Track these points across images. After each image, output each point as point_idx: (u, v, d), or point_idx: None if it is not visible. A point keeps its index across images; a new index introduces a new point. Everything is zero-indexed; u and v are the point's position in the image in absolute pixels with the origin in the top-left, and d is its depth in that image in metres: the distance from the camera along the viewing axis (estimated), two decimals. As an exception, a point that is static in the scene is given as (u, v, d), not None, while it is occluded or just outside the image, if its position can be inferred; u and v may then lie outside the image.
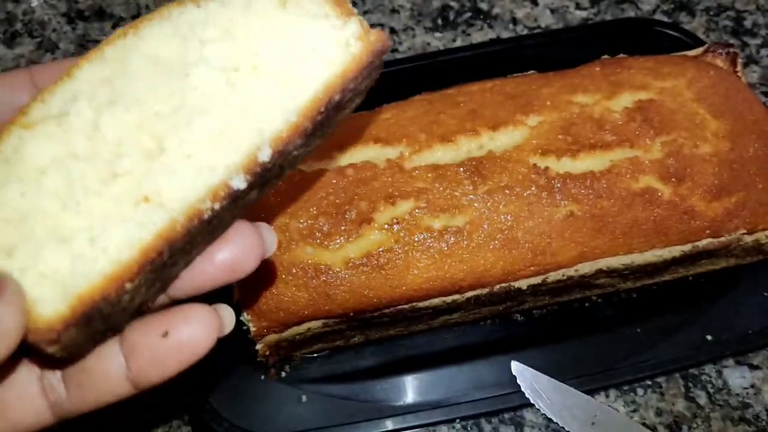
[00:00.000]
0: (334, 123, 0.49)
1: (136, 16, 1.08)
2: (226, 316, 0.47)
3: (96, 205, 0.42)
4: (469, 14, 1.07)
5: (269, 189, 0.48)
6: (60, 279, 0.40)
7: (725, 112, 0.80)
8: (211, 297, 0.47)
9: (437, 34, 1.05)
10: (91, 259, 0.41)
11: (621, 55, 0.88)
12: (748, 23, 1.05)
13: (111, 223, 0.41)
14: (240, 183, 0.43)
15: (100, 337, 0.44)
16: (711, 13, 1.05)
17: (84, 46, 1.06)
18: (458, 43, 1.04)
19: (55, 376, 0.45)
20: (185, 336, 0.44)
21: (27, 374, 0.45)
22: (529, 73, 0.87)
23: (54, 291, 0.40)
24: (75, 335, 0.40)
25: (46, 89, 0.44)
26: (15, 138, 0.43)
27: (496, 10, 1.07)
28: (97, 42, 1.07)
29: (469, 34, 1.06)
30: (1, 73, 0.47)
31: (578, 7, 1.07)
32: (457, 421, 0.82)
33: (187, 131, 0.44)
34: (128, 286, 0.41)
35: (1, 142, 0.42)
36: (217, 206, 0.43)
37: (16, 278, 0.40)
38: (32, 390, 0.45)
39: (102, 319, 0.41)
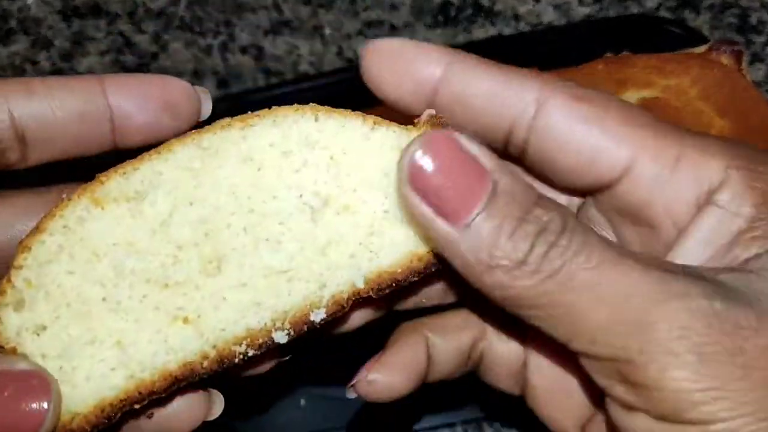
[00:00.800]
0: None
1: (132, 14, 1.07)
2: (216, 402, 0.47)
3: (135, 309, 0.41)
4: (470, 11, 1.05)
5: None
6: (77, 381, 0.41)
7: (730, 111, 0.79)
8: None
9: (438, 31, 1.04)
10: (111, 369, 0.41)
11: (625, 53, 0.87)
12: (753, 20, 1.04)
13: (143, 335, 0.41)
14: (282, 338, 0.43)
15: None
16: (715, 9, 1.04)
17: (79, 43, 1.05)
18: (459, 40, 1.03)
19: None
20: (170, 419, 0.44)
21: None
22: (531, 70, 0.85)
23: (74, 392, 0.40)
24: None
25: (130, 163, 0.43)
26: (83, 209, 0.42)
27: (498, 7, 1.06)
28: (92, 39, 1.05)
29: (470, 31, 1.05)
30: (71, 77, 0.46)
31: (581, 3, 1.06)
32: (459, 424, 0.81)
33: (251, 257, 0.42)
34: (136, 406, 0.42)
35: (69, 209, 0.42)
36: (250, 353, 0.42)
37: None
38: None
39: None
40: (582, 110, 0.43)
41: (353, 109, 0.82)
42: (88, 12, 1.07)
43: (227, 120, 0.44)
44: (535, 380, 0.50)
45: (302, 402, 0.80)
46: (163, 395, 0.42)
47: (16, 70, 1.04)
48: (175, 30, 1.06)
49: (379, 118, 0.44)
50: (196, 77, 1.03)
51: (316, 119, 0.43)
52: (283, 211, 0.42)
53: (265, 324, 0.42)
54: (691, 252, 0.41)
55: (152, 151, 0.43)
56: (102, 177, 0.43)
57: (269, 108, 0.44)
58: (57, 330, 0.41)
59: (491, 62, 0.45)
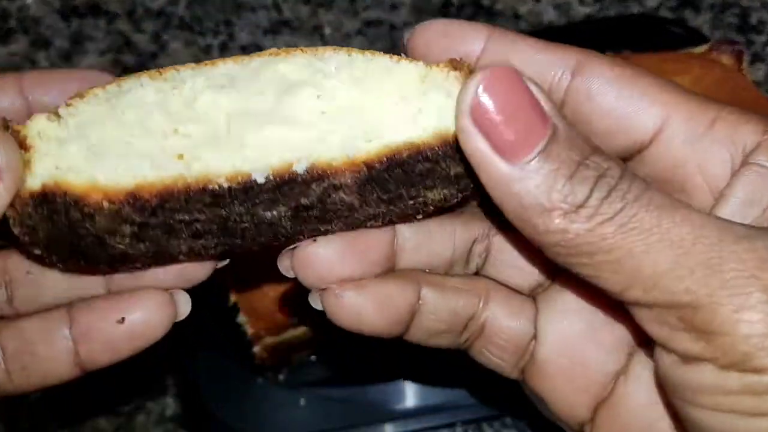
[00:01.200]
0: (406, 202, 0.44)
1: (131, 13, 1.07)
2: (181, 301, 0.47)
3: (140, 138, 0.42)
4: (470, 10, 1.05)
5: (308, 229, 0.44)
6: (61, 162, 0.42)
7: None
8: (207, 296, 0.47)
9: (438, 31, 1.04)
10: (93, 162, 0.42)
11: (625, 53, 0.87)
12: (753, 20, 1.04)
13: (135, 151, 0.42)
14: (260, 178, 0.42)
15: (66, 251, 0.43)
16: (716, 9, 1.04)
17: (79, 42, 1.05)
18: (459, 39, 1.03)
19: None
20: (141, 322, 0.45)
21: None
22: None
23: (45, 167, 0.41)
24: (36, 221, 0.41)
25: (158, 70, 0.45)
26: (134, 82, 0.44)
27: (498, 6, 1.05)
28: (91, 39, 1.05)
29: (470, 31, 1.04)
30: None
31: (582, 3, 1.06)
32: (459, 424, 0.80)
33: (255, 131, 0.43)
34: (106, 204, 0.41)
35: (120, 82, 0.44)
36: (226, 185, 0.41)
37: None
38: None
39: (68, 225, 0.41)
40: (616, 73, 0.43)
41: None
42: (87, 11, 1.07)
43: (275, 50, 0.47)
44: (544, 355, 0.47)
45: (302, 402, 0.80)
46: (139, 242, 0.42)
47: (15, 69, 1.03)
48: (174, 29, 1.05)
49: (408, 58, 0.45)
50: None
51: (348, 53, 0.45)
52: (297, 103, 0.44)
53: (246, 167, 0.42)
54: (732, 214, 0.40)
55: (209, 62, 0.46)
56: (162, 70, 0.45)
57: None
58: (72, 134, 0.42)
59: (530, 37, 0.45)
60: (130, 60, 1.04)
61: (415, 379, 0.80)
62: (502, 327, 0.48)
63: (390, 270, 0.47)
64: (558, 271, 0.47)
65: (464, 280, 0.49)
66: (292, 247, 0.44)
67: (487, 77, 0.37)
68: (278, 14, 1.06)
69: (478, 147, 0.37)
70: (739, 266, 0.34)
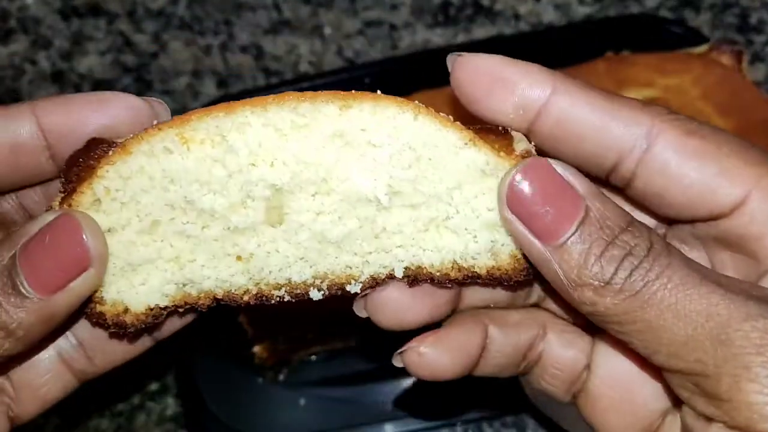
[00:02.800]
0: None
1: (131, 13, 1.07)
2: (155, 104, 0.48)
3: (197, 235, 0.46)
4: (470, 10, 1.05)
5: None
6: (135, 282, 0.46)
7: (731, 111, 0.79)
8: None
9: (438, 31, 1.04)
10: (166, 280, 0.47)
11: (625, 53, 0.87)
12: (753, 20, 1.04)
13: (199, 259, 0.46)
14: (316, 295, 0.47)
15: None
16: (716, 9, 1.04)
17: (79, 42, 1.05)
18: (460, 39, 1.03)
19: (71, 346, 0.49)
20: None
21: (48, 352, 0.49)
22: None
23: (130, 291, 0.46)
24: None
25: (222, 107, 0.45)
26: (170, 141, 0.44)
27: (498, 6, 1.05)
28: (91, 39, 1.05)
29: (470, 31, 1.04)
30: (2, 107, 0.47)
31: (581, 3, 1.06)
32: (459, 424, 0.80)
33: (311, 222, 0.46)
34: (180, 310, 0.48)
35: (156, 137, 0.44)
36: (286, 298, 0.47)
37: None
38: (57, 368, 0.49)
39: None
40: (694, 145, 0.43)
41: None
42: (87, 11, 1.06)
43: (328, 94, 0.45)
44: (596, 387, 0.50)
45: (302, 402, 0.80)
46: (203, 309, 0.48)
47: (15, 69, 1.03)
48: (174, 29, 1.05)
49: (475, 135, 0.44)
50: (195, 77, 1.03)
51: (415, 118, 0.44)
52: (354, 193, 0.45)
53: (305, 281, 0.46)
54: None
55: (246, 101, 0.45)
56: (193, 115, 0.44)
57: (374, 92, 0.46)
58: (125, 235, 0.45)
59: (596, 89, 0.45)
60: (130, 60, 1.04)
61: (415, 379, 0.80)
62: (557, 356, 0.51)
63: (454, 308, 0.51)
64: None
65: (525, 313, 0.52)
66: (363, 294, 0.48)
67: (523, 170, 0.42)
68: (278, 14, 1.06)
69: (518, 231, 0.42)
70: (745, 343, 0.38)
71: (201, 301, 0.47)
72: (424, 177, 0.45)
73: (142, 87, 1.02)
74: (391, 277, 0.46)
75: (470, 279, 0.46)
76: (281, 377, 0.82)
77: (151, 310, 0.47)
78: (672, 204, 0.45)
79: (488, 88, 0.45)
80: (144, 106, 0.47)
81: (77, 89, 1.02)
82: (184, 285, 0.47)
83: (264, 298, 0.47)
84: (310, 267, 0.46)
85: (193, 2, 1.07)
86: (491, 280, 0.46)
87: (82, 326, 0.49)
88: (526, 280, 0.46)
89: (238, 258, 0.46)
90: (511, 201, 0.42)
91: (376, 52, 1.03)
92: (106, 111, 0.46)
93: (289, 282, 0.47)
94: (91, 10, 1.07)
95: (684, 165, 0.44)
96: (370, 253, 0.46)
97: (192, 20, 1.06)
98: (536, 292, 0.52)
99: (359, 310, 0.49)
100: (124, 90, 1.01)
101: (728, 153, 0.44)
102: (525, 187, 0.42)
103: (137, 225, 0.45)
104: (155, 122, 0.46)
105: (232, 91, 1.01)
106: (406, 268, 0.46)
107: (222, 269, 0.46)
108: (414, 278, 0.46)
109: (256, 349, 0.76)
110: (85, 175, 0.44)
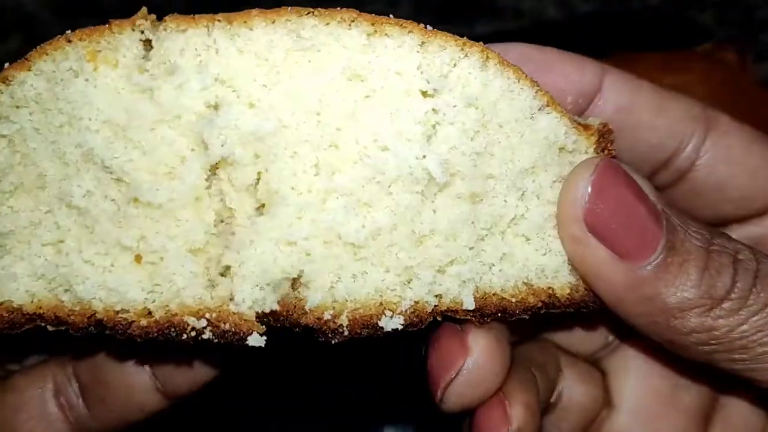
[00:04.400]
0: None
1: (126, 10, 1.06)
2: None
3: (87, 211, 0.33)
4: (472, 7, 1.04)
5: None
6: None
7: (736, 109, 0.78)
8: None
9: (440, 27, 1.03)
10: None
11: (628, 51, 0.86)
12: (758, 17, 1.03)
13: (85, 251, 0.33)
14: (390, 324, 0.32)
15: None
16: (720, 6, 1.03)
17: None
18: (462, 36, 1.02)
19: (73, 391, 0.41)
20: None
21: (43, 393, 0.41)
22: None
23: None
24: None
25: (174, 19, 0.34)
26: (77, 60, 0.34)
27: (500, 3, 1.05)
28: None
29: (472, 27, 1.04)
30: None
31: None
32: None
33: (315, 210, 0.31)
34: (50, 327, 0.35)
35: (62, 54, 0.34)
36: (211, 338, 0.32)
37: None
38: (51, 410, 0.41)
39: None
40: (751, 132, 0.41)
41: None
42: (81, 9, 1.05)
43: (351, 12, 0.32)
44: (623, 423, 0.43)
45: (302, 403, 0.79)
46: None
47: (10, 67, 1.03)
48: (171, 27, 1.04)
49: (551, 97, 0.35)
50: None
51: (483, 66, 0.33)
52: (385, 167, 0.31)
53: (296, 306, 0.31)
54: None
55: (218, 16, 0.32)
56: (116, 25, 0.34)
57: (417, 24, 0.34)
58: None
59: (645, 82, 0.42)
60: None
61: (415, 381, 0.79)
62: (577, 395, 0.44)
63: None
64: (625, 332, 0.44)
65: (541, 348, 0.45)
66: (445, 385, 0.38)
67: (596, 178, 0.33)
68: (276, 11, 1.05)
69: (594, 255, 0.33)
70: None
71: (73, 318, 0.32)
72: (491, 152, 0.33)
73: (138, 85, 1.01)
74: (449, 312, 0.33)
75: (547, 308, 0.35)
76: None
77: (11, 311, 0.33)
78: (733, 195, 0.41)
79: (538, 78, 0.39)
80: None
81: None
82: (58, 286, 0.33)
83: (172, 331, 0.31)
84: (303, 284, 0.31)
85: (191, 0, 1.06)
86: (571, 307, 0.36)
87: (81, 367, 0.41)
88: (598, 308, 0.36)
89: (137, 258, 0.31)
90: (589, 218, 0.33)
91: (375, 49, 1.02)
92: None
93: (260, 304, 0.31)
94: (85, 8, 1.06)
95: (749, 149, 0.40)
96: (412, 267, 0.32)
97: (189, 17, 1.05)
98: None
99: (444, 399, 0.37)
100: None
101: None
102: (602, 200, 0.33)
103: (17, 175, 0.32)
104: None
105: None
106: (475, 290, 0.33)
107: (113, 271, 0.31)
108: (480, 311, 0.34)
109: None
110: None
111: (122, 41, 0.34)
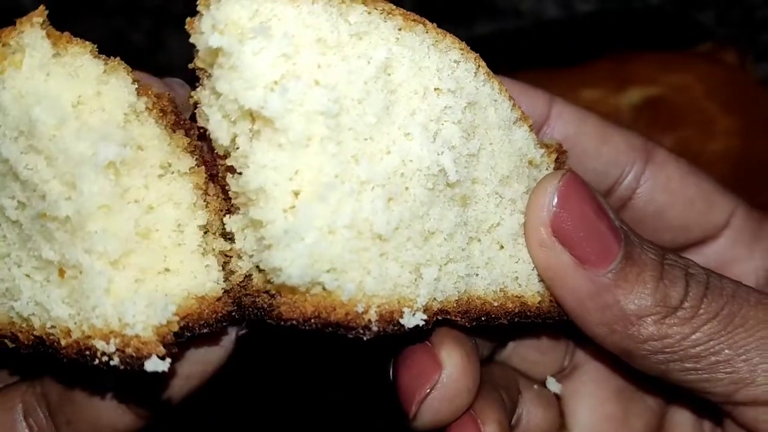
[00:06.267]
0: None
1: (127, 9, 1.06)
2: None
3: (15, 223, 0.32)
4: (472, 6, 1.05)
5: None
6: None
7: (736, 109, 0.78)
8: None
9: (440, 27, 1.03)
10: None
11: (628, 50, 0.86)
12: (758, 17, 1.03)
13: (13, 259, 0.32)
14: (412, 321, 0.33)
15: None
16: (721, 6, 1.03)
17: (75, 39, 1.04)
18: (461, 35, 1.02)
19: (42, 412, 0.39)
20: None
21: (12, 414, 0.39)
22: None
23: None
24: None
25: None
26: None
27: (500, 3, 1.05)
28: (87, 35, 1.04)
29: (471, 27, 1.04)
30: None
31: (583, -1, 1.05)
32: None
33: (355, 194, 0.31)
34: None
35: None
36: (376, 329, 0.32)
37: None
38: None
39: None
40: (687, 165, 0.44)
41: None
42: (82, 8, 1.06)
43: (387, 4, 0.33)
44: None
45: (302, 404, 0.79)
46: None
47: (10, 66, 1.03)
48: (171, 26, 1.04)
49: (523, 113, 0.38)
50: (193, 74, 1.02)
51: (476, 72, 0.36)
52: (409, 160, 0.32)
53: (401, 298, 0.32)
54: None
55: None
56: (19, 23, 0.33)
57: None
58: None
59: (590, 113, 0.45)
60: (126, 57, 1.03)
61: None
62: (535, 419, 0.44)
63: None
64: (576, 356, 0.46)
65: (502, 370, 0.45)
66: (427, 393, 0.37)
67: (562, 188, 0.35)
68: (277, 11, 1.06)
69: (558, 260, 0.35)
70: None
71: (20, 335, 0.32)
72: (478, 156, 0.35)
73: (138, 84, 1.02)
74: (444, 314, 0.34)
75: (520, 316, 0.37)
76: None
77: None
78: (671, 224, 0.43)
79: None
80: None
81: (73, 87, 1.02)
82: (6, 301, 0.32)
83: (87, 354, 0.29)
84: (341, 277, 0.30)
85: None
86: (540, 318, 0.38)
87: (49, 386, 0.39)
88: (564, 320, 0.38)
89: (60, 273, 0.30)
90: (555, 224, 0.35)
91: (375, 49, 1.02)
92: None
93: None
94: (86, 7, 1.06)
95: (685, 180, 0.43)
96: (422, 265, 0.33)
97: (189, 17, 1.05)
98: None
99: (418, 417, 0.37)
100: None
101: (708, 176, 0.44)
102: (568, 208, 0.35)
103: None
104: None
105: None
106: (458, 299, 0.35)
107: (44, 287, 0.31)
108: (467, 313, 0.35)
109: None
110: None
111: (26, 40, 0.32)
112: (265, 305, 0.30)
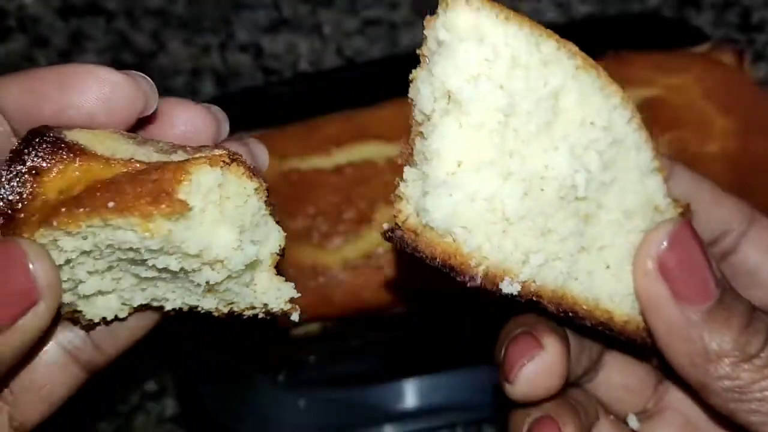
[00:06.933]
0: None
1: (130, 12, 1.06)
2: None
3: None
4: (470, 9, 1.05)
5: None
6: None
7: (733, 110, 0.79)
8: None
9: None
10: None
11: (626, 52, 0.86)
12: (755, 19, 1.03)
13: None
14: (508, 288, 0.41)
15: None
16: (718, 8, 1.04)
17: (77, 41, 1.05)
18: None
19: (77, 336, 0.44)
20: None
21: (50, 348, 0.44)
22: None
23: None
24: None
25: None
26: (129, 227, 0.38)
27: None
28: (90, 38, 1.05)
29: (470, 30, 1.04)
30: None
31: (582, 1, 1.05)
32: (459, 426, 0.80)
33: (498, 182, 0.39)
34: None
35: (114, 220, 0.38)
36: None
37: None
38: (62, 362, 0.44)
39: None
40: None
41: (353, 107, 0.82)
42: (85, 10, 1.06)
43: (573, 45, 0.41)
44: None
45: (301, 403, 0.79)
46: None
47: (14, 68, 1.03)
48: (173, 28, 1.05)
49: (663, 166, 0.45)
50: (194, 76, 1.02)
51: (629, 120, 0.42)
52: (551, 168, 0.39)
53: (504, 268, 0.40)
54: None
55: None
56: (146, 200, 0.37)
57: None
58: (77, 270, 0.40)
59: (707, 180, 0.51)
60: (128, 59, 1.03)
61: (415, 380, 0.80)
62: None
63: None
64: (664, 396, 0.50)
65: (584, 393, 0.50)
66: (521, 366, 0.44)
67: (675, 232, 0.42)
68: (278, 13, 1.06)
69: (658, 291, 0.41)
70: None
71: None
72: (610, 187, 0.42)
73: (140, 86, 1.02)
74: (537, 296, 0.41)
75: (603, 328, 0.43)
76: (281, 378, 0.82)
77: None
78: (764, 283, 0.48)
79: None
80: (124, 82, 0.39)
81: (75, 88, 1.02)
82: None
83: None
84: (466, 235, 0.40)
85: (191, 1, 1.07)
86: (622, 336, 0.44)
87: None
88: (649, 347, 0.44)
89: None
90: (661, 260, 0.42)
91: (375, 50, 1.03)
92: (74, 87, 0.38)
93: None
94: (89, 9, 1.07)
95: None
96: (531, 252, 0.40)
97: (191, 19, 1.06)
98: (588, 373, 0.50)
99: (515, 381, 0.44)
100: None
101: None
102: (676, 249, 0.42)
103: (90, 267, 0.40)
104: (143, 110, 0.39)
105: (231, 89, 1.01)
106: (554, 289, 0.41)
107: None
108: (558, 305, 0.42)
109: (256, 349, 0.76)
110: (31, 196, 0.37)
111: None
112: (410, 240, 0.39)
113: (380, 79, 0.92)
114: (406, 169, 0.40)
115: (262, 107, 0.91)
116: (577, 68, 0.40)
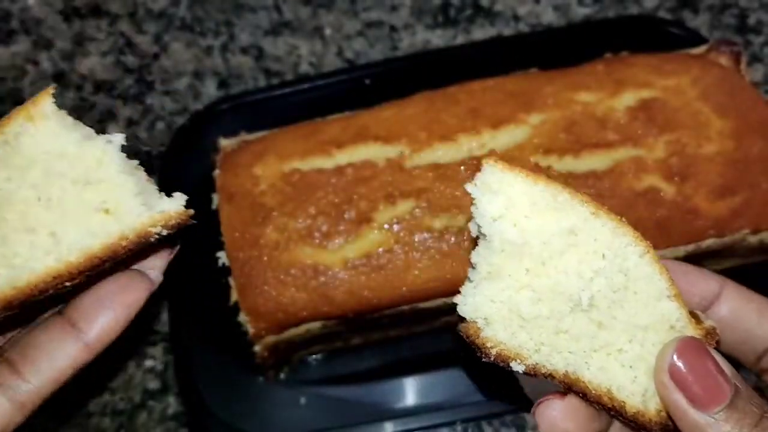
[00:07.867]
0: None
1: (132, 14, 1.07)
2: (150, 275, 0.52)
3: (63, 203, 0.46)
4: (470, 11, 1.06)
5: None
6: (13, 264, 0.45)
7: (730, 111, 0.79)
8: (212, 297, 0.47)
9: (438, 32, 1.04)
10: (45, 254, 0.46)
11: (624, 53, 0.87)
12: (752, 21, 1.04)
13: (69, 225, 0.46)
14: (517, 367, 0.49)
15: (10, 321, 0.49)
16: (714, 10, 1.04)
17: (80, 43, 1.05)
18: (459, 40, 1.03)
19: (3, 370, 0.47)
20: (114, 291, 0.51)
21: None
22: (531, 70, 0.85)
23: (12, 273, 0.45)
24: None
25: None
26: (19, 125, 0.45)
27: (497, 7, 1.06)
28: (93, 40, 1.06)
29: (469, 32, 1.05)
30: None
31: (581, 4, 1.06)
32: (458, 423, 0.81)
33: (515, 290, 0.48)
34: (67, 283, 0.46)
35: (7, 126, 0.46)
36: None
37: None
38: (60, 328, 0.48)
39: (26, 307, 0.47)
40: (758, 301, 0.54)
41: (353, 108, 0.83)
42: (88, 12, 1.07)
43: (588, 197, 0.48)
44: None
45: (302, 401, 0.80)
46: (93, 273, 0.47)
47: (17, 70, 1.04)
48: (175, 30, 1.06)
49: (679, 293, 0.50)
50: (196, 77, 1.03)
51: (642, 256, 0.48)
52: (561, 286, 0.47)
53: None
54: None
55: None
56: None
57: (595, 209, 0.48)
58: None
59: (757, 294, 0.55)
60: (131, 61, 1.04)
61: (415, 378, 0.80)
62: None
63: None
64: None
65: None
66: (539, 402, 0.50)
67: (679, 346, 0.47)
68: (279, 15, 1.07)
69: (674, 398, 0.46)
70: None
71: (83, 264, 0.46)
72: (622, 305, 0.49)
73: (143, 87, 1.03)
74: (550, 377, 0.48)
75: (615, 413, 0.49)
76: (282, 376, 0.82)
77: (36, 286, 0.46)
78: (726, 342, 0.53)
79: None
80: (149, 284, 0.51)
81: (79, 90, 1.03)
82: (62, 254, 0.47)
83: (143, 239, 0.47)
84: (486, 326, 0.48)
85: (194, 3, 1.08)
86: (632, 423, 0.49)
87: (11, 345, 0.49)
88: None
89: (106, 212, 0.47)
90: (671, 370, 0.47)
91: (376, 53, 1.03)
92: (130, 296, 0.50)
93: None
94: (92, 11, 1.07)
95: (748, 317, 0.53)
96: (543, 344, 0.48)
97: (193, 21, 1.07)
98: None
99: (538, 415, 0.50)
100: (126, 91, 1.02)
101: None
102: (683, 360, 0.47)
103: (4, 210, 0.46)
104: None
105: (233, 91, 1.02)
106: (565, 373, 0.48)
107: (93, 226, 0.47)
108: (569, 387, 0.49)
109: (257, 348, 0.77)
110: None
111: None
112: (457, 318, 0.50)
113: (380, 81, 0.93)
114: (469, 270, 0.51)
115: (263, 108, 0.92)
116: (592, 214, 0.48)
